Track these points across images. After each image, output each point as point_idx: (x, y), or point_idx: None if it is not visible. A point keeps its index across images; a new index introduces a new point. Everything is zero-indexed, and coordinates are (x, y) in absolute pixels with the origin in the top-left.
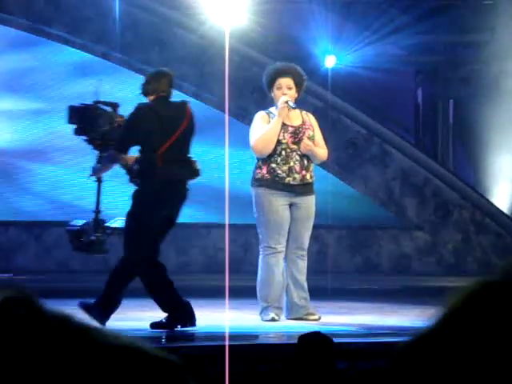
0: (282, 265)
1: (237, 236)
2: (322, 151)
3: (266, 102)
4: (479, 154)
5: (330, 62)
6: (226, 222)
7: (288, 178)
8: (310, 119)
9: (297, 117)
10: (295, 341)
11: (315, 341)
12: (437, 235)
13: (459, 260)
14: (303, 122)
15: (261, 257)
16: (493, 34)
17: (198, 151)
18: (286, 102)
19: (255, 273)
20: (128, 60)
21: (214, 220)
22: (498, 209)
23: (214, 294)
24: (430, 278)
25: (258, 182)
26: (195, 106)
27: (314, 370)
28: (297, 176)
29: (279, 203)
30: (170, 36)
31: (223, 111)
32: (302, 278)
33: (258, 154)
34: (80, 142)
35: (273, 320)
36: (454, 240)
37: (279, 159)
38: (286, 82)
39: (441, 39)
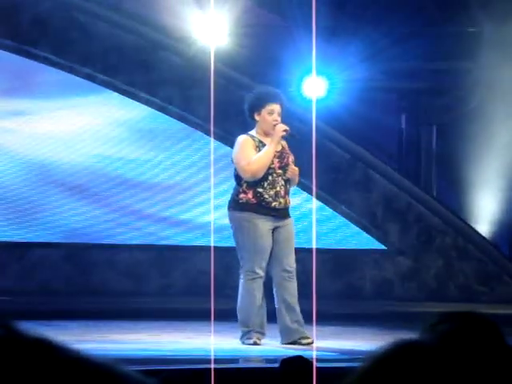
0: (262, 290)
1: (220, 258)
2: (297, 175)
3: (251, 126)
4: (462, 179)
5: (314, 87)
6: (212, 245)
7: (274, 203)
8: (286, 143)
9: (279, 129)
10: (278, 364)
11: (297, 365)
12: (419, 260)
13: (441, 286)
14: (283, 147)
15: (241, 282)
16: (476, 62)
17: (186, 174)
18: (287, 131)
19: (237, 296)
20: (113, 81)
21: (197, 243)
22: (480, 235)
23: (196, 316)
24: (412, 303)
25: (242, 207)
26: (180, 128)
27: None
28: (282, 200)
29: (265, 228)
30: (155, 58)
31: (208, 134)
32: (293, 300)
33: (250, 177)
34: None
35: (255, 344)
36: (436, 265)
37: (266, 184)
38: (277, 108)
39: (425, 66)
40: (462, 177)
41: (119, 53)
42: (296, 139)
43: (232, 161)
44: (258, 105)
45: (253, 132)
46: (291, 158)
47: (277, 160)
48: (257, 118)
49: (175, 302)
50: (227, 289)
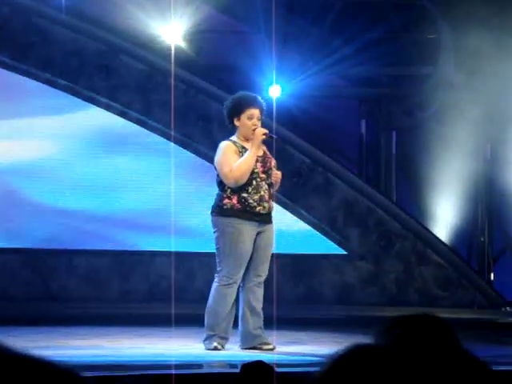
0: (235, 296)
1: (179, 264)
2: (279, 179)
3: (210, 130)
4: (421, 184)
5: (274, 92)
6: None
7: (258, 207)
8: (266, 148)
9: (258, 133)
10: (239, 370)
11: (257, 370)
12: (379, 265)
13: (401, 290)
14: (264, 152)
15: (215, 285)
16: (435, 68)
17: (146, 179)
18: (266, 134)
19: (198, 301)
20: (73, 86)
21: (158, 248)
22: (439, 240)
23: (156, 322)
24: (373, 307)
25: (227, 212)
26: (140, 133)
27: None
28: (266, 205)
29: (248, 234)
30: (116, 63)
31: (168, 139)
32: (259, 305)
33: (233, 183)
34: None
35: (215, 349)
36: (396, 270)
37: (250, 188)
38: (257, 113)
39: (384, 71)
40: (422, 181)
41: (79, 58)
42: (276, 141)
43: (215, 167)
44: (237, 110)
45: (234, 138)
46: (273, 162)
47: (260, 164)
48: (236, 123)
49: (136, 308)
50: (189, 293)
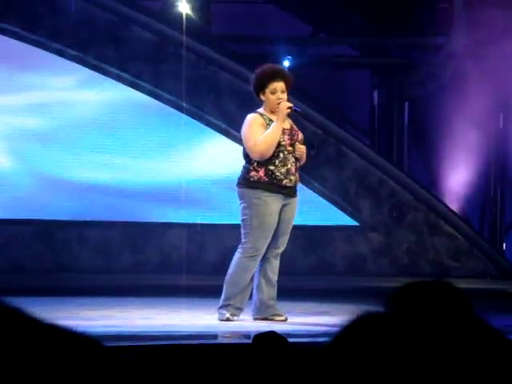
0: (256, 268)
1: (192, 235)
2: (304, 153)
3: (220, 101)
4: (433, 155)
5: (285, 63)
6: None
7: (285, 180)
8: (293, 122)
9: (283, 107)
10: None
11: (270, 340)
12: (391, 236)
13: (413, 261)
14: (291, 125)
15: (239, 256)
16: (448, 37)
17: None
18: (291, 108)
19: (210, 273)
20: (83, 57)
21: (171, 219)
22: (451, 210)
23: (169, 292)
24: (384, 278)
25: (254, 184)
26: (152, 104)
27: (269, 370)
28: (292, 178)
29: (275, 206)
30: (126, 33)
31: (180, 110)
32: (275, 277)
33: (258, 157)
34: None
35: (228, 320)
36: (407, 241)
37: (277, 161)
38: (280, 86)
39: (396, 42)
40: (434, 152)
41: (89, 28)
42: (301, 115)
43: (241, 140)
44: (260, 85)
45: (261, 110)
46: (300, 136)
47: (287, 137)
48: (262, 97)
49: (149, 279)
50: (201, 265)
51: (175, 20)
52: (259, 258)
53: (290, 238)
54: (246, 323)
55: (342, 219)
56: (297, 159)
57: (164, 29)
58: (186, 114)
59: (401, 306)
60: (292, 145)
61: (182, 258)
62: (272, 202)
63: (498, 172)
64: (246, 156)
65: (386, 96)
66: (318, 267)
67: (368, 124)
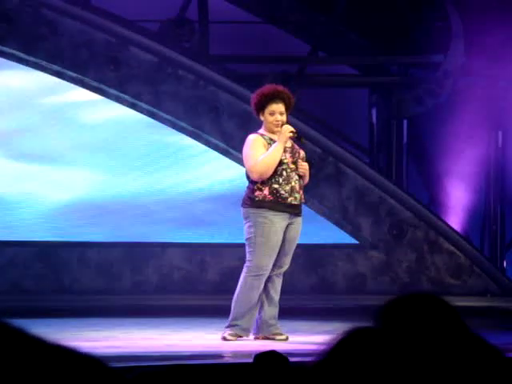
0: (262, 287)
1: (192, 255)
2: (307, 170)
3: (220, 121)
4: (433, 173)
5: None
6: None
7: (290, 198)
8: (292, 128)
9: (285, 129)
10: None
11: (271, 359)
12: (391, 254)
13: (413, 279)
14: (292, 143)
15: (244, 275)
16: (445, 55)
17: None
18: (293, 132)
19: (210, 292)
20: (82, 78)
21: (170, 239)
22: (451, 228)
23: (170, 313)
24: (385, 296)
25: (259, 204)
26: (151, 125)
27: None
28: (297, 196)
29: (280, 225)
30: (125, 54)
31: (179, 130)
32: (277, 297)
33: (257, 177)
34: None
35: (237, 339)
36: (408, 259)
37: (281, 179)
38: (279, 107)
39: (394, 60)
40: (434, 170)
41: (89, 49)
42: (302, 141)
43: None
44: (259, 105)
45: (261, 130)
46: (302, 153)
47: (289, 155)
48: (261, 118)
49: (148, 299)
50: (202, 285)
51: (173, 41)
52: (265, 277)
53: (291, 257)
54: (247, 342)
55: (342, 238)
56: (300, 177)
57: (162, 50)
58: (185, 134)
59: (389, 321)
60: (294, 162)
61: (182, 277)
62: (277, 221)
63: (498, 190)
64: (248, 176)
65: (384, 114)
66: (319, 286)
67: (367, 142)
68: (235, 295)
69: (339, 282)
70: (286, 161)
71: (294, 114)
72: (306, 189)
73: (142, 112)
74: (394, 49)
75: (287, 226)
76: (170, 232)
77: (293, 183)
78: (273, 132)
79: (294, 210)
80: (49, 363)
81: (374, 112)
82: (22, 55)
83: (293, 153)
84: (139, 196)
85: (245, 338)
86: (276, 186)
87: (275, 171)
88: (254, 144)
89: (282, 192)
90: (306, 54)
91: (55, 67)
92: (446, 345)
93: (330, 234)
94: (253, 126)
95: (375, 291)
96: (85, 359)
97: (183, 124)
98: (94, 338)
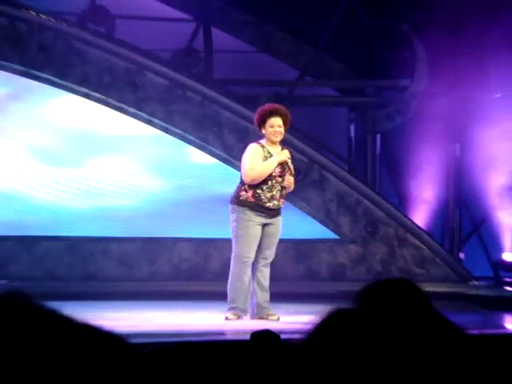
0: (249, 272)
1: (198, 248)
2: (292, 184)
3: (221, 135)
4: (402, 179)
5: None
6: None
7: (268, 204)
8: (289, 155)
9: (284, 154)
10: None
11: (265, 337)
12: (367, 248)
13: (385, 269)
14: (286, 161)
15: (233, 265)
16: (412, 80)
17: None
18: (286, 162)
19: (214, 279)
20: (105, 99)
21: (179, 234)
22: (417, 225)
23: (180, 297)
24: (361, 283)
25: (242, 203)
26: (164, 138)
27: (264, 363)
28: (276, 202)
29: (257, 222)
30: (142, 78)
31: (187, 142)
32: (266, 283)
33: (249, 181)
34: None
35: (238, 318)
36: (380, 252)
37: (265, 187)
38: (277, 121)
39: (369, 83)
40: (403, 176)
41: (111, 74)
42: (288, 167)
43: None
44: (261, 120)
45: (263, 141)
46: (291, 170)
47: (278, 170)
48: (263, 131)
49: (161, 286)
50: (207, 273)
51: (183, 67)
52: (249, 263)
53: (282, 249)
54: (245, 322)
55: (325, 233)
56: (283, 188)
57: (173, 74)
58: (192, 146)
59: (367, 302)
60: (281, 176)
61: (190, 267)
62: (255, 219)
63: (456, 193)
64: (240, 178)
65: (361, 129)
66: (306, 274)
67: (346, 152)
68: (229, 283)
69: (323, 270)
70: (274, 174)
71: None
72: (295, 192)
73: (156, 127)
74: (368, 74)
75: (267, 225)
76: (180, 229)
77: (274, 192)
78: (273, 142)
79: (271, 213)
80: (77, 339)
81: (352, 127)
82: (56, 80)
83: (282, 168)
84: (155, 198)
85: (244, 316)
86: (259, 191)
87: (263, 180)
88: (253, 153)
89: (263, 197)
90: (295, 78)
91: (83, 90)
92: (415, 323)
93: (315, 230)
94: (250, 139)
95: (353, 279)
96: (108, 335)
97: (191, 137)
98: (114, 318)
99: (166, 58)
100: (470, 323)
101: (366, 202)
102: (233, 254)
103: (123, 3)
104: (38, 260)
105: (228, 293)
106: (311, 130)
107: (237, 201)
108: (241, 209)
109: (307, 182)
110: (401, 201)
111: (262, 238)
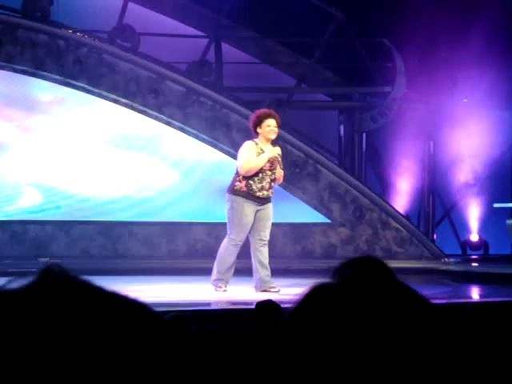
0: (237, 253)
1: (210, 231)
2: (282, 177)
3: (230, 134)
4: (384, 171)
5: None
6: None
7: (259, 193)
8: (280, 152)
9: (275, 150)
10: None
11: (268, 306)
12: (354, 230)
13: (370, 248)
14: (276, 157)
15: (226, 244)
16: (392, 87)
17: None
18: (276, 157)
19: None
20: (131, 104)
21: (194, 218)
22: (397, 211)
23: (194, 272)
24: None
25: (236, 192)
26: (182, 138)
27: (267, 328)
28: (265, 192)
29: (249, 209)
30: (162, 86)
31: (201, 141)
32: (266, 260)
33: (244, 172)
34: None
35: (224, 291)
36: (366, 234)
37: (256, 179)
38: (273, 122)
39: (356, 90)
40: (385, 169)
41: (137, 83)
42: (279, 164)
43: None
44: (259, 121)
45: (257, 140)
46: (280, 164)
47: (268, 164)
48: (259, 130)
49: (179, 263)
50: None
51: (197, 76)
52: (239, 245)
53: (281, 232)
54: (251, 294)
55: (319, 218)
56: (272, 180)
57: (189, 83)
58: (205, 143)
59: (341, 278)
60: (271, 170)
61: (204, 247)
62: (247, 206)
63: (430, 183)
64: (236, 170)
65: (349, 129)
66: (302, 253)
67: (337, 149)
68: (218, 257)
69: (317, 250)
70: (264, 168)
71: (286, 129)
72: (293, 183)
73: (174, 127)
74: (355, 82)
75: (259, 211)
76: (195, 214)
77: (264, 183)
78: (267, 140)
79: (261, 201)
80: (107, 304)
81: (341, 128)
82: (89, 88)
83: (272, 163)
84: (175, 189)
85: (225, 287)
86: (251, 182)
87: (255, 172)
88: (248, 148)
89: (254, 187)
90: (292, 85)
91: (112, 96)
92: (382, 294)
93: (310, 215)
94: (249, 135)
95: (343, 257)
96: (134, 302)
97: (204, 136)
98: (139, 290)
99: (182, 69)
100: (442, 293)
101: (354, 191)
102: (228, 236)
103: (147, 22)
104: (74, 241)
105: (215, 265)
106: (307, 130)
107: (232, 190)
108: (235, 198)
109: (303, 174)
110: (383, 190)
111: (255, 222)
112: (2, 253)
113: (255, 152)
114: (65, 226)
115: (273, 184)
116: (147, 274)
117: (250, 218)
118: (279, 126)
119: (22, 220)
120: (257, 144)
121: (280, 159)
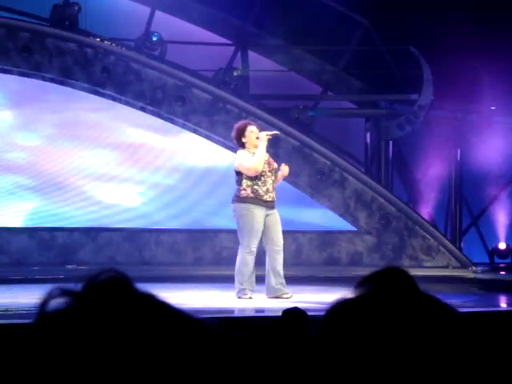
0: (254, 260)
1: (236, 238)
2: (287, 172)
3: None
4: (411, 179)
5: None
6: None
7: (265, 196)
8: (269, 132)
9: (262, 133)
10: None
11: (294, 313)
12: (380, 238)
13: (396, 256)
14: (269, 158)
15: (241, 255)
16: (419, 95)
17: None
18: (269, 135)
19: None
20: (158, 111)
21: (220, 226)
22: (423, 219)
23: (222, 280)
24: (376, 269)
25: (243, 200)
26: (208, 145)
27: (293, 336)
28: (271, 194)
29: (260, 215)
30: (189, 94)
31: (228, 148)
32: (279, 267)
33: (254, 172)
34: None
35: (250, 298)
36: (392, 242)
37: (260, 182)
38: (254, 128)
39: (383, 97)
40: (412, 177)
41: (163, 91)
42: (278, 136)
43: (235, 169)
44: (242, 131)
45: (245, 150)
46: (275, 165)
47: (266, 166)
48: (244, 140)
49: (205, 270)
50: None
51: (223, 84)
52: (254, 253)
53: (307, 240)
54: (264, 301)
55: (345, 226)
56: (273, 181)
57: (215, 90)
58: (232, 151)
59: (365, 291)
60: (270, 171)
61: (230, 255)
62: (257, 212)
63: (458, 192)
64: (237, 181)
65: (375, 137)
66: (328, 261)
67: (363, 157)
68: (236, 269)
69: (343, 257)
70: (264, 170)
71: (312, 137)
72: (318, 190)
73: (201, 135)
74: (382, 89)
75: (267, 216)
76: (221, 222)
77: (268, 185)
78: (254, 146)
79: (268, 204)
80: (172, 320)
81: (367, 135)
82: (116, 95)
83: (269, 164)
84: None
85: (250, 295)
86: (256, 187)
87: (255, 177)
88: (245, 155)
89: (260, 191)
90: (319, 93)
91: (139, 104)
92: (408, 304)
93: (336, 223)
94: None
95: (369, 265)
96: (183, 312)
97: (231, 144)
98: (165, 297)
99: (209, 77)
100: (470, 302)
101: (380, 198)
102: (240, 246)
103: (173, 30)
104: (101, 248)
105: (236, 277)
106: (333, 137)
107: (238, 199)
108: (243, 205)
109: (330, 182)
110: (410, 197)
111: (267, 229)
112: (30, 260)
113: (250, 155)
114: (91, 233)
115: (274, 185)
116: (173, 281)
117: (261, 224)
118: (260, 131)
119: (49, 227)
120: (249, 151)
121: (272, 160)
